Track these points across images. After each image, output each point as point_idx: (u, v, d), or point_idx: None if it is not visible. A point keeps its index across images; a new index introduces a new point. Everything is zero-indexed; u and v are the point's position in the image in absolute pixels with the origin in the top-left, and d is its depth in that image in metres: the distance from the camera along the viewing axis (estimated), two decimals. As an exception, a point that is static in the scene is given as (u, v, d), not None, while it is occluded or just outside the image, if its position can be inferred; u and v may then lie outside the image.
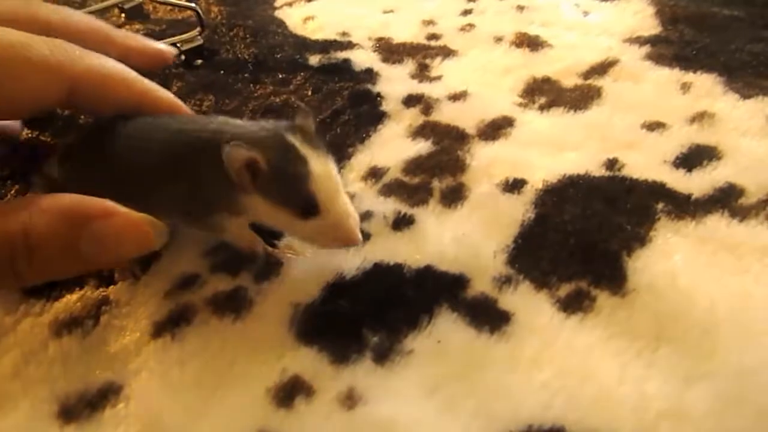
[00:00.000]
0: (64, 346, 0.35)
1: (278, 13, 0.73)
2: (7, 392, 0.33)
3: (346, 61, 0.61)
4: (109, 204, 0.33)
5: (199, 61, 0.63)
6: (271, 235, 0.41)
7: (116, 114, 0.39)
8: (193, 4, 0.63)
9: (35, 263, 0.32)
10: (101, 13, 0.70)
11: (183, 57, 0.62)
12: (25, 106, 0.38)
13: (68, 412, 0.32)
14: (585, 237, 0.41)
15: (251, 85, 0.59)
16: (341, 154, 0.50)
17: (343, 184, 0.44)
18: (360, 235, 0.36)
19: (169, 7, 0.74)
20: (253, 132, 0.35)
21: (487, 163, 0.48)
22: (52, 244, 0.32)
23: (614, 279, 0.38)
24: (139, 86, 0.40)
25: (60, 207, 0.32)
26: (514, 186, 0.45)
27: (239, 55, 0.63)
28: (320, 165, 0.35)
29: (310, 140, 0.36)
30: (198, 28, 0.63)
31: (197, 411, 0.32)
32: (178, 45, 0.63)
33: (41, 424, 0.31)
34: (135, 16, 0.72)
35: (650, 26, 0.69)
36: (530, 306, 0.37)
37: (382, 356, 0.34)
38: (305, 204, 0.34)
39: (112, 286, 0.39)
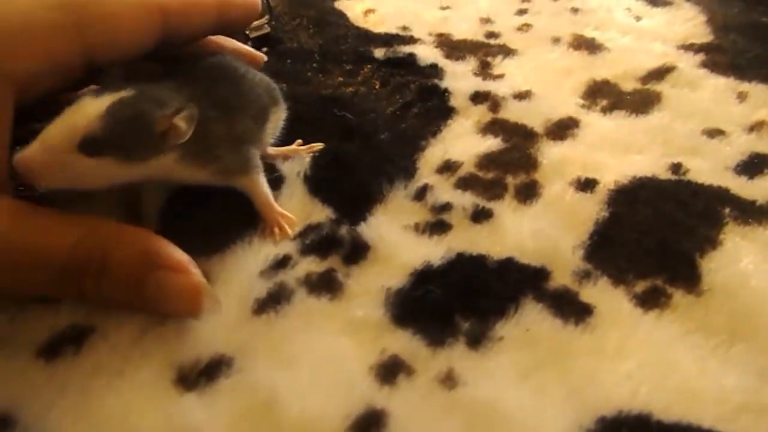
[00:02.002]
0: (174, 320, 0.37)
1: (337, 5, 0.74)
2: (128, 358, 0.35)
3: (411, 56, 0.63)
4: (185, 259, 0.35)
5: (265, 49, 0.64)
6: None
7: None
8: (263, -8, 0.65)
9: (102, 287, 0.34)
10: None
11: (250, 44, 0.64)
12: (125, 45, 0.38)
13: (186, 380, 0.34)
14: (658, 237, 0.43)
15: (320, 74, 0.60)
16: (415, 146, 0.51)
17: (418, 176, 0.47)
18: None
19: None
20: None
21: (558, 161, 0.49)
22: (123, 275, 0.34)
23: (689, 278, 0.40)
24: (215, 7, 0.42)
25: (142, 244, 0.35)
26: (587, 185, 0.47)
27: (304, 45, 0.65)
28: None
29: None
30: (266, 17, 0.65)
31: (307, 385, 0.34)
32: (247, 32, 0.64)
33: (162, 391, 0.33)
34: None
35: (702, 34, 0.71)
36: (610, 300, 0.39)
37: (475, 341, 0.36)
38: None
39: (206, 262, 0.41)
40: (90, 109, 0.34)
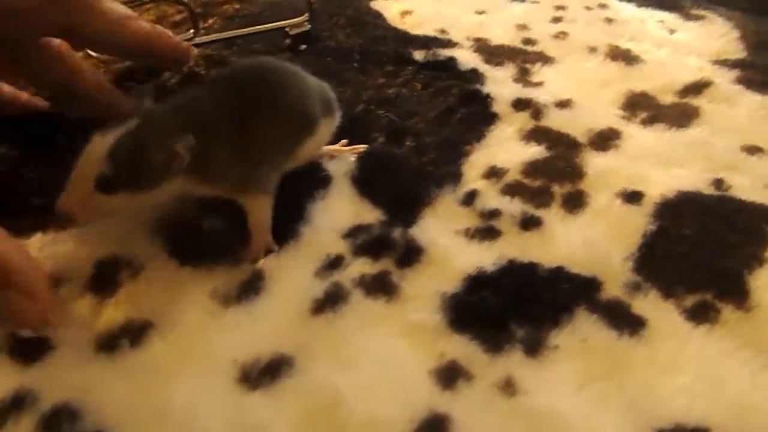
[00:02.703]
0: (232, 316, 0.37)
1: (373, 5, 0.74)
2: (187, 355, 0.35)
3: (452, 60, 0.63)
4: (39, 285, 0.36)
5: (303, 47, 0.64)
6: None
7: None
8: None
9: None
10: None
11: (290, 41, 0.64)
12: None
13: (248, 378, 0.34)
14: (705, 252, 0.43)
15: (361, 74, 0.60)
16: (460, 151, 0.51)
17: (464, 181, 0.47)
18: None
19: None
20: None
21: (603, 172, 0.50)
22: None
23: (737, 294, 0.41)
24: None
25: (5, 261, 0.35)
26: (633, 197, 0.47)
27: (343, 44, 0.65)
28: None
29: None
30: (306, 14, 0.64)
31: (370, 387, 0.34)
32: (287, 29, 0.64)
33: (226, 389, 0.33)
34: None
35: (736, 50, 0.71)
36: (661, 313, 0.40)
37: (531, 349, 0.37)
38: None
39: (262, 261, 0.41)
40: (98, 150, 0.37)
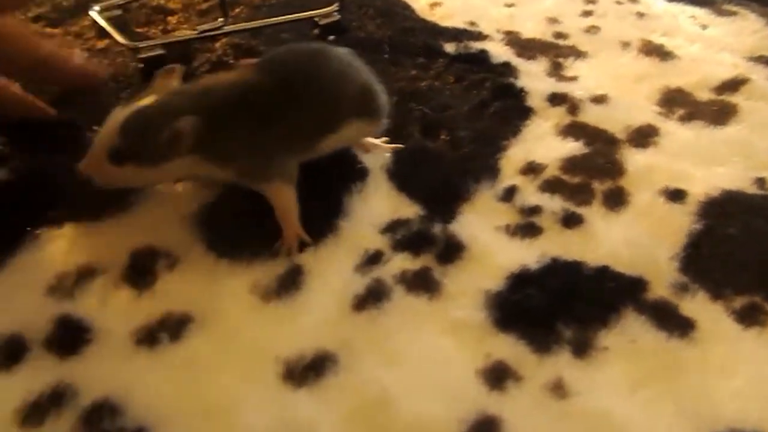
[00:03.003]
0: (273, 311, 0.36)
1: (401, -5, 0.73)
2: (228, 350, 0.34)
3: (483, 53, 0.62)
4: None
5: (332, 37, 0.63)
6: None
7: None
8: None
9: None
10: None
11: (319, 30, 0.63)
12: None
13: (293, 375, 0.33)
14: (752, 252, 0.42)
15: (392, 66, 0.59)
16: (496, 146, 0.50)
17: (502, 176, 0.46)
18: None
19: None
20: None
21: (643, 169, 0.49)
22: None
23: (788, 297, 0.40)
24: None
25: None
26: (676, 195, 0.46)
27: (372, 35, 0.64)
28: None
29: None
30: (336, 4, 0.63)
31: (417, 386, 0.33)
32: (316, 19, 0.63)
33: (271, 386, 0.32)
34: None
35: (770, 47, 0.70)
36: (709, 315, 0.38)
37: (580, 350, 0.36)
38: None
39: (301, 254, 0.40)
40: (114, 122, 0.38)
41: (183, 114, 0.37)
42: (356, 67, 0.44)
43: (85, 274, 0.38)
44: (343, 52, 0.45)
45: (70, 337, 0.34)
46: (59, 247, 0.40)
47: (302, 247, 0.40)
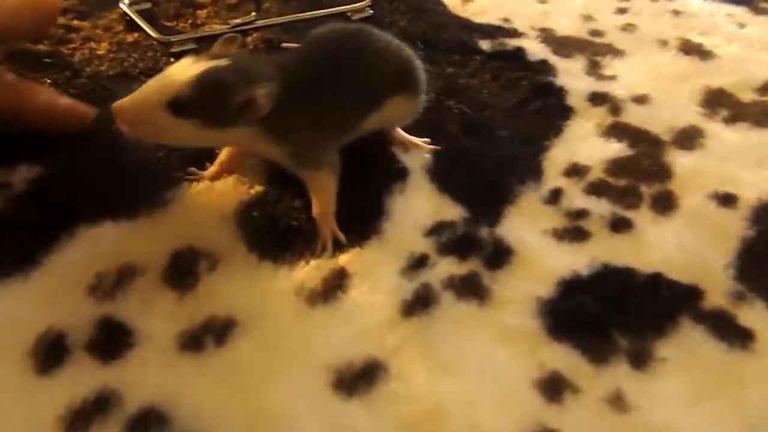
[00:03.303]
0: (320, 316, 0.35)
1: (432, -9, 0.72)
2: (276, 355, 0.33)
3: (520, 50, 0.60)
4: None
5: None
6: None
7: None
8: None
9: None
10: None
11: (351, 26, 0.61)
12: None
13: (343, 383, 0.32)
14: (810, 261, 0.41)
15: (426, 63, 0.57)
16: (538, 146, 0.49)
17: (546, 178, 0.45)
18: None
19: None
20: None
21: (691, 172, 0.47)
22: None
23: None
24: None
25: None
26: (727, 200, 0.45)
27: (405, 31, 0.62)
28: None
29: None
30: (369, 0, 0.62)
31: (472, 397, 0.32)
32: (348, 14, 0.62)
33: (322, 394, 0.31)
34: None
35: (811, 46, 0.68)
36: (768, 325, 0.37)
37: (638, 360, 0.34)
38: None
39: (343, 256, 0.39)
40: (185, 72, 0.36)
41: (257, 80, 0.36)
42: (396, 44, 0.44)
43: (125, 274, 0.37)
44: (381, 32, 0.45)
45: (112, 340, 0.33)
46: (96, 245, 0.38)
47: (337, 246, 0.39)
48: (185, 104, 0.35)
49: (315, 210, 0.40)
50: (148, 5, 0.61)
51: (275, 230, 0.40)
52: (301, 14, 0.60)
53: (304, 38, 0.44)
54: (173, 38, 0.54)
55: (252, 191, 0.43)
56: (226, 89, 0.36)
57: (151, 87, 0.36)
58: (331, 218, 0.40)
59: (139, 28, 0.58)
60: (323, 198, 0.40)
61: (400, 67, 0.44)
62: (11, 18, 0.41)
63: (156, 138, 0.38)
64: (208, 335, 0.34)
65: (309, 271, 0.38)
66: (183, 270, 0.37)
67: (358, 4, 0.62)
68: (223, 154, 0.44)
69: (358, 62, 0.42)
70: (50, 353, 0.32)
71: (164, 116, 0.35)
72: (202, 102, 0.35)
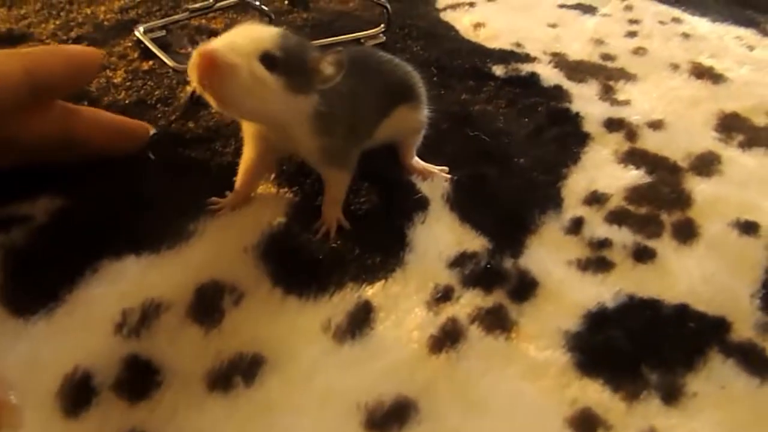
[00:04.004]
0: (348, 352, 0.35)
1: (443, 16, 0.72)
2: (305, 394, 0.32)
3: (534, 75, 0.61)
4: None
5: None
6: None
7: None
8: (386, 3, 0.62)
9: None
10: (266, 2, 0.69)
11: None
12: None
13: (374, 424, 0.31)
14: (834, 289, 0.41)
15: (441, 89, 0.58)
16: (557, 174, 0.49)
17: (566, 206, 0.45)
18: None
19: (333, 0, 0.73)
20: None
21: (712, 200, 0.47)
22: None
23: None
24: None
25: None
26: (748, 228, 0.45)
27: (418, 57, 0.63)
28: None
29: None
30: (382, 26, 0.62)
31: (505, 436, 0.31)
32: (362, 41, 0.62)
33: (354, 433, 0.31)
34: (298, 4, 0.71)
35: (821, 69, 0.68)
36: (797, 358, 0.37)
37: (670, 396, 0.34)
38: None
39: (368, 289, 0.38)
40: (268, 31, 0.37)
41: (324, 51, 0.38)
42: (397, 61, 0.47)
43: (150, 311, 0.36)
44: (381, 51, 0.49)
45: (140, 380, 0.33)
46: (121, 280, 0.38)
47: (365, 278, 0.39)
48: (275, 59, 0.35)
49: (325, 200, 0.42)
50: (162, 33, 0.62)
51: (299, 263, 0.40)
52: (315, 41, 0.60)
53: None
54: (190, 67, 0.54)
55: (274, 222, 0.42)
56: (305, 51, 0.37)
57: (237, 39, 0.35)
58: (338, 206, 0.42)
59: (154, 56, 0.58)
60: (335, 193, 0.42)
61: (404, 80, 0.46)
62: (52, 72, 0.40)
63: (236, 98, 0.35)
64: (237, 374, 0.33)
65: (335, 305, 0.37)
66: (208, 305, 0.37)
67: (371, 31, 0.62)
68: (239, 181, 0.44)
69: (373, 72, 0.44)
70: (77, 395, 0.32)
71: (258, 68, 0.34)
72: (288, 60, 0.36)
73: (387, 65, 0.46)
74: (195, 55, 0.34)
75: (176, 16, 0.64)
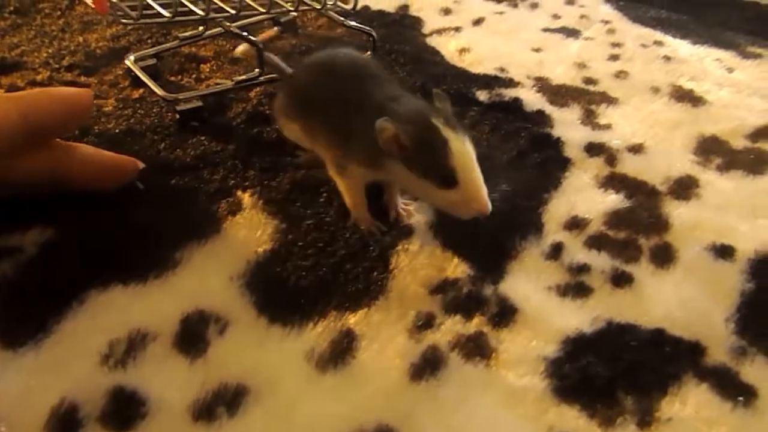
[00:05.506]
0: (330, 382, 0.35)
1: (430, 41, 0.74)
2: (287, 426, 0.33)
3: (517, 101, 0.62)
4: None
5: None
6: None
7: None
8: (371, 29, 0.64)
9: None
10: (256, 28, 0.71)
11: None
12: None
13: (355, 452, 0.32)
14: (808, 313, 0.42)
15: (426, 115, 0.59)
16: (538, 200, 0.50)
17: (546, 232, 0.46)
18: (490, 206, 0.41)
19: (319, 24, 0.75)
20: (407, 111, 0.42)
21: (689, 224, 0.48)
22: None
23: None
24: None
25: None
26: (724, 252, 0.46)
27: (405, 82, 0.64)
28: (459, 143, 0.41)
29: (450, 122, 0.42)
30: (369, 52, 0.64)
31: (483, 464, 0.32)
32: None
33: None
34: (288, 29, 0.73)
35: (799, 90, 0.70)
36: (770, 381, 0.38)
37: (644, 422, 0.35)
38: (445, 176, 0.40)
39: (351, 317, 0.39)
40: None
41: None
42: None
43: (136, 341, 0.37)
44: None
45: (125, 411, 0.33)
46: (107, 311, 0.39)
47: (349, 307, 0.40)
48: None
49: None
50: (153, 61, 0.63)
51: (284, 291, 0.41)
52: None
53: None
54: (180, 96, 0.55)
55: (260, 250, 0.43)
56: None
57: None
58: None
59: (145, 84, 0.59)
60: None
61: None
62: (46, 115, 0.41)
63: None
64: (221, 405, 0.34)
65: (318, 334, 0.38)
66: (193, 335, 0.38)
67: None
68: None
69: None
70: (64, 428, 0.32)
71: None
72: None
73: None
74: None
75: (167, 45, 0.66)
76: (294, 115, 0.49)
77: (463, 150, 0.41)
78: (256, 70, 0.58)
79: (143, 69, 0.61)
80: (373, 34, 0.63)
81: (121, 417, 0.33)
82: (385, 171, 0.43)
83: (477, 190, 0.40)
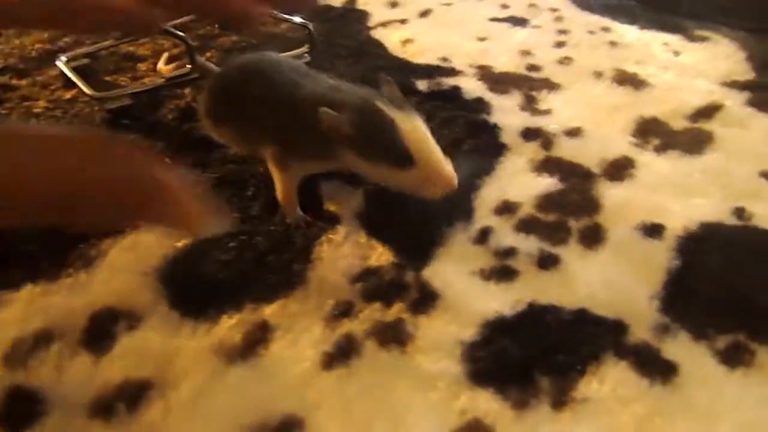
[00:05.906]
0: (237, 374, 0.34)
1: (374, 33, 0.73)
2: (189, 420, 0.32)
3: (456, 89, 0.61)
4: None
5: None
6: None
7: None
8: (308, 23, 0.63)
9: None
10: (195, 25, 0.70)
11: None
12: None
13: (257, 444, 0.31)
14: (734, 288, 0.41)
15: (363, 106, 0.58)
16: (470, 185, 0.49)
17: (476, 217, 0.45)
18: (456, 179, 0.40)
19: (263, 21, 0.74)
20: (349, 97, 0.41)
21: (620, 204, 0.48)
22: None
23: (771, 334, 0.39)
24: None
25: None
26: (654, 230, 0.45)
27: (344, 75, 0.63)
28: (408, 122, 0.40)
29: (395, 102, 0.41)
30: (306, 46, 0.63)
31: (388, 450, 0.31)
32: (287, 60, 0.63)
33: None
34: (228, 27, 0.72)
35: (744, 71, 0.70)
36: (692, 357, 0.37)
37: (559, 402, 0.34)
38: (398, 156, 0.39)
39: (267, 309, 0.38)
40: None
41: None
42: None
43: (41, 341, 0.36)
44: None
45: (22, 411, 0.33)
46: (16, 311, 0.38)
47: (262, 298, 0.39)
48: None
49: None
50: (86, 61, 0.62)
51: (199, 286, 0.40)
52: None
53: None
54: (107, 94, 0.55)
55: (179, 245, 0.43)
56: None
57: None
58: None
59: (76, 85, 0.58)
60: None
61: None
62: None
63: None
64: (120, 401, 0.33)
65: (231, 327, 0.37)
66: (101, 332, 0.37)
67: (295, 51, 0.62)
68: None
69: None
70: (-45, 429, 0.32)
71: None
72: None
73: None
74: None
75: (103, 44, 0.65)
76: (223, 117, 0.48)
77: (414, 128, 0.40)
78: (188, 66, 0.57)
79: (76, 69, 0.60)
80: (310, 27, 0.63)
81: (17, 417, 0.32)
82: (338, 160, 0.42)
83: (437, 165, 0.39)
